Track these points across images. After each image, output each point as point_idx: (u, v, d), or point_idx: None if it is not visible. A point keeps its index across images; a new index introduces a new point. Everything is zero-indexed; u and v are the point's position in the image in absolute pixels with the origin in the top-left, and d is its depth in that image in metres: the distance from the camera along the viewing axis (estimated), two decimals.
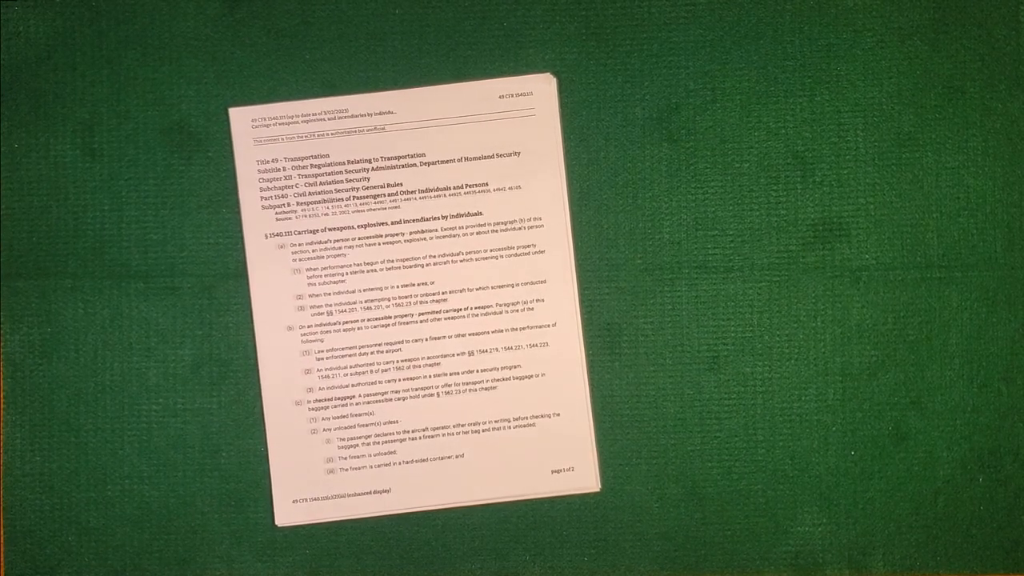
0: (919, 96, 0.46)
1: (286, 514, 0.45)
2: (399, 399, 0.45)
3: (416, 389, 0.45)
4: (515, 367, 0.46)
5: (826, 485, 0.45)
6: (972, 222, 0.46)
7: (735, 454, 0.45)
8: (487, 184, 0.46)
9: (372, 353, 0.45)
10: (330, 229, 0.46)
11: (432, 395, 0.45)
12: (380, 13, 0.46)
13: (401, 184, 0.46)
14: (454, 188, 0.46)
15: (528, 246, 0.46)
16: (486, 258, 0.46)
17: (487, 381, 0.46)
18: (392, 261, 0.46)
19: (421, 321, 0.45)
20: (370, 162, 0.46)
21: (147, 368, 0.46)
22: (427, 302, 0.45)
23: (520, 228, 0.46)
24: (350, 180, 0.46)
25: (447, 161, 0.46)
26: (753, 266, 0.46)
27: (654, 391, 0.46)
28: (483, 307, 0.46)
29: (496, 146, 0.46)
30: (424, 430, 0.45)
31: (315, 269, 0.45)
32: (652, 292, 0.46)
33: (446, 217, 0.46)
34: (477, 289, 0.46)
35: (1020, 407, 0.46)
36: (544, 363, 0.46)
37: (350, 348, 0.45)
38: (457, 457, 0.45)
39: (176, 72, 0.46)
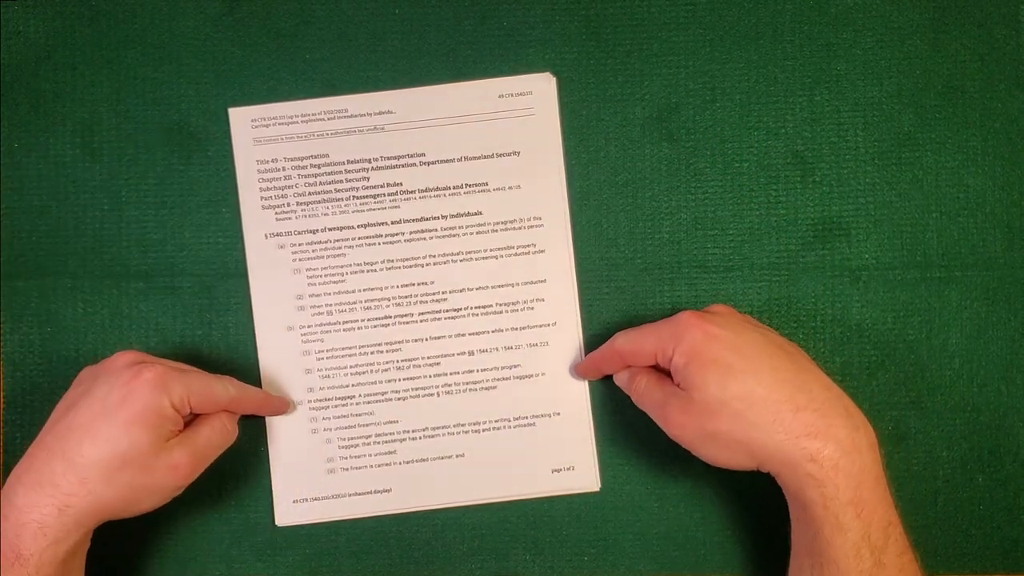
0: (919, 96, 0.46)
1: (286, 514, 0.45)
2: (399, 399, 0.45)
3: (416, 389, 0.45)
4: (515, 366, 0.46)
5: None
6: (972, 222, 0.46)
7: None
8: (487, 184, 0.46)
9: (372, 353, 0.45)
10: (330, 229, 0.46)
11: (432, 395, 0.45)
12: (380, 13, 0.46)
13: (401, 184, 0.46)
14: (454, 188, 0.46)
15: (528, 246, 0.46)
16: (486, 258, 0.46)
17: (487, 380, 0.46)
18: (392, 261, 0.45)
19: (421, 321, 0.45)
20: (370, 162, 0.46)
21: None
22: (427, 302, 0.45)
23: (520, 228, 0.46)
24: (350, 180, 0.46)
25: (447, 161, 0.46)
26: (752, 265, 0.46)
27: None
28: (483, 307, 0.46)
29: (496, 146, 0.46)
30: (424, 430, 0.45)
31: (315, 269, 0.45)
32: (652, 292, 0.46)
33: (446, 217, 0.46)
34: (477, 289, 0.46)
35: (1020, 407, 0.46)
36: (544, 362, 0.46)
37: (350, 348, 0.45)
38: (457, 457, 0.45)
39: (176, 72, 0.46)
